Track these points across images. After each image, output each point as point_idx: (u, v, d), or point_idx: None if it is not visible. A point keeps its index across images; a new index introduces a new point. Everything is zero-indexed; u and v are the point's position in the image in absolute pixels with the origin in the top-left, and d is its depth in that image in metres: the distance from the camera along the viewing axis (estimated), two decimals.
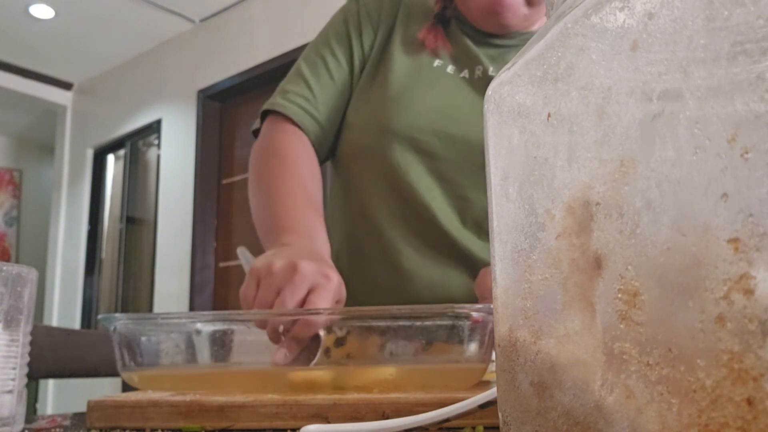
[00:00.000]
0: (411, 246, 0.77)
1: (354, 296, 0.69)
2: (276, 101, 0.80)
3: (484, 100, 0.27)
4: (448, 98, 0.77)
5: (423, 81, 0.78)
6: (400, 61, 0.79)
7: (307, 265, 0.55)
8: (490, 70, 0.78)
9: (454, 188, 0.76)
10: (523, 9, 0.76)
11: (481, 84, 0.78)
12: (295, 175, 0.75)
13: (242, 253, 0.68)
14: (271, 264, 0.56)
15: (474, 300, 0.74)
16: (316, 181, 0.76)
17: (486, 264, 0.75)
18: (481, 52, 0.80)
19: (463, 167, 0.76)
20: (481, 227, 0.76)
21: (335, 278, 0.57)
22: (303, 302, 0.54)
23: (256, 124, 0.84)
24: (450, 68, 0.80)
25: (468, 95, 0.78)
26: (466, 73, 0.79)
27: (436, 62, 0.80)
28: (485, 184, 0.81)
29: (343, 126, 0.83)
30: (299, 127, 0.79)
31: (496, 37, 0.80)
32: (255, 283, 0.56)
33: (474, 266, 0.75)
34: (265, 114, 0.82)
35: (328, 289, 0.55)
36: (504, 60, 0.79)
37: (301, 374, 0.50)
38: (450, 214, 0.76)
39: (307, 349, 0.52)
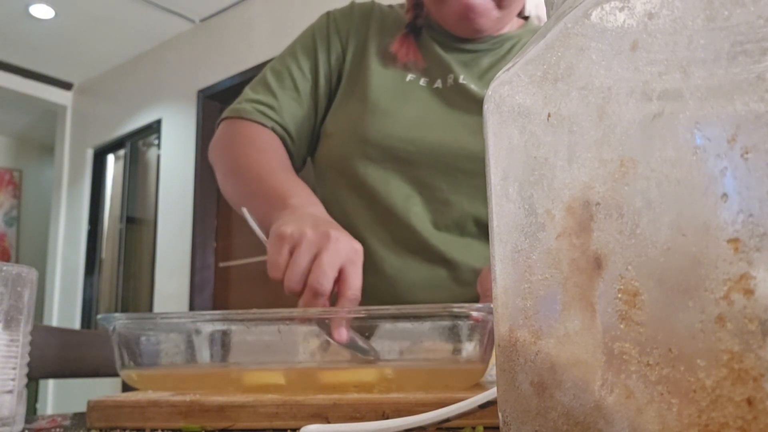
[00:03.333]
0: (392, 252, 0.78)
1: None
2: (240, 107, 0.82)
3: (484, 100, 0.27)
4: (423, 109, 0.80)
5: (398, 93, 0.81)
6: (377, 73, 0.82)
7: (339, 235, 0.58)
8: (461, 78, 0.81)
9: (433, 193, 0.78)
10: (495, 13, 0.78)
11: (452, 92, 0.81)
12: (272, 154, 0.78)
13: (246, 215, 0.68)
14: (304, 230, 0.57)
15: (456, 301, 0.75)
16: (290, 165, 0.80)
17: (466, 265, 0.77)
18: (453, 59, 0.82)
19: (441, 172, 0.78)
20: (464, 228, 0.78)
21: (360, 250, 0.59)
22: (338, 267, 0.56)
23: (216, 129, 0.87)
24: (423, 81, 0.82)
25: (441, 105, 0.81)
26: (439, 83, 0.82)
27: (409, 77, 0.82)
28: (465, 186, 0.81)
29: (321, 136, 0.85)
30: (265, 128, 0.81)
31: (468, 42, 0.83)
32: (288, 249, 0.57)
33: (455, 267, 0.77)
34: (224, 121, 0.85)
35: (359, 265, 0.58)
36: (476, 65, 0.82)
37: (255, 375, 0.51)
38: (426, 220, 0.78)
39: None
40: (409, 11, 0.85)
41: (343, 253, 0.57)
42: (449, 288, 0.77)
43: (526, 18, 0.90)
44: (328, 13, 0.88)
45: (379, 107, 0.79)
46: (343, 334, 0.51)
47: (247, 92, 0.84)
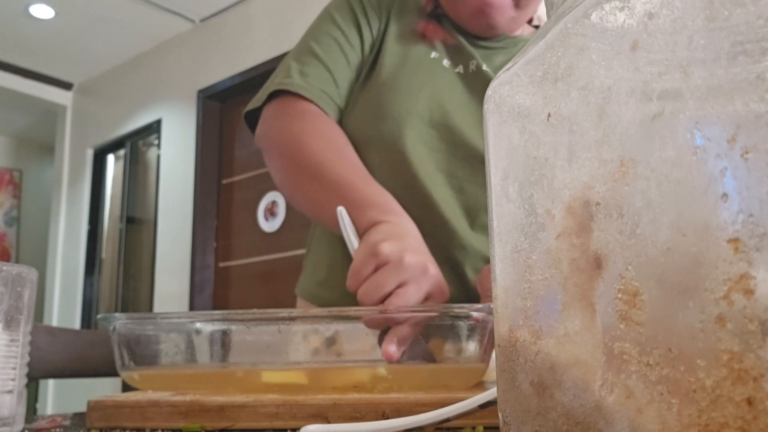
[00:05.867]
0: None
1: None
2: (295, 82, 0.75)
3: (484, 100, 0.27)
4: (445, 90, 0.77)
5: (421, 71, 0.78)
6: (397, 53, 0.79)
7: (435, 270, 0.56)
8: (484, 66, 0.79)
9: (449, 180, 0.76)
10: (511, 11, 0.77)
11: (475, 78, 0.79)
12: (349, 153, 0.72)
13: (344, 216, 0.62)
14: (403, 256, 0.54)
15: (465, 293, 0.74)
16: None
17: (477, 255, 0.76)
18: (473, 50, 0.80)
19: (460, 158, 0.76)
20: (474, 218, 0.77)
21: (447, 294, 0.57)
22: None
23: (254, 103, 0.80)
24: (446, 62, 0.80)
25: (463, 90, 0.78)
26: (461, 68, 0.80)
27: (433, 54, 0.80)
28: (479, 176, 0.80)
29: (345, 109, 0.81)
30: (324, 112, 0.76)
31: (482, 39, 0.81)
32: (374, 265, 0.55)
33: (471, 257, 0.76)
34: (274, 95, 0.77)
35: (440, 302, 0.56)
36: (491, 61, 0.81)
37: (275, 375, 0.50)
38: (453, 206, 0.76)
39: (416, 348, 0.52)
40: (428, 3, 0.83)
41: (431, 290, 0.55)
42: (462, 275, 0.76)
43: (536, 27, 0.89)
44: None
45: (400, 82, 0.76)
46: (391, 350, 0.49)
47: (293, 65, 0.77)
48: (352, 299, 0.56)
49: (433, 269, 0.56)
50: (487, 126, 0.27)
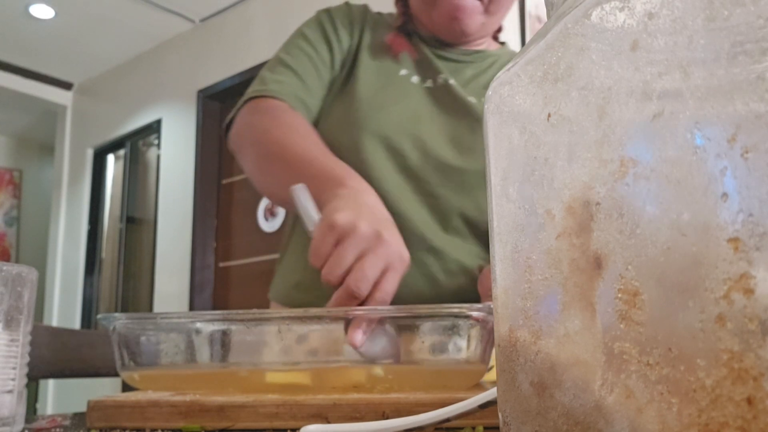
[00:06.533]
0: None
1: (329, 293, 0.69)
2: (266, 88, 0.78)
3: (485, 100, 0.27)
4: (416, 106, 0.82)
5: (392, 88, 0.82)
6: (371, 67, 0.83)
7: (391, 238, 0.56)
8: (451, 80, 0.84)
9: (422, 185, 0.79)
10: (481, 17, 0.82)
11: (442, 92, 0.83)
12: (314, 137, 0.74)
13: (301, 192, 0.61)
14: (357, 225, 0.55)
15: (436, 293, 0.76)
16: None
17: (448, 258, 0.78)
18: (441, 64, 0.85)
19: (431, 166, 0.79)
20: (447, 222, 0.79)
21: (407, 259, 0.58)
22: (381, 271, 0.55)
23: (232, 114, 0.82)
24: (414, 78, 0.84)
25: (431, 103, 0.83)
26: (429, 83, 0.84)
27: (402, 71, 0.84)
28: (451, 182, 0.81)
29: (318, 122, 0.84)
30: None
31: (453, 50, 0.86)
32: (335, 239, 0.55)
33: (442, 256, 0.77)
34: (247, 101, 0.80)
35: (400, 273, 0.56)
36: (460, 73, 0.86)
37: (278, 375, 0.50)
38: (422, 211, 0.79)
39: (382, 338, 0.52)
40: (399, 17, 0.88)
41: (389, 258, 0.55)
42: (434, 276, 0.78)
43: (502, 43, 0.96)
44: (327, 9, 0.88)
45: (375, 100, 0.80)
46: (356, 337, 0.49)
47: (266, 75, 0.81)
48: (325, 302, 0.56)
49: (388, 235, 0.56)
50: (487, 126, 0.27)
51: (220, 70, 3.42)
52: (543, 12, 2.47)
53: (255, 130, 0.77)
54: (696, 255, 0.17)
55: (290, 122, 0.75)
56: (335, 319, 0.51)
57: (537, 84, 0.24)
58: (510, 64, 0.26)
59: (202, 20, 3.59)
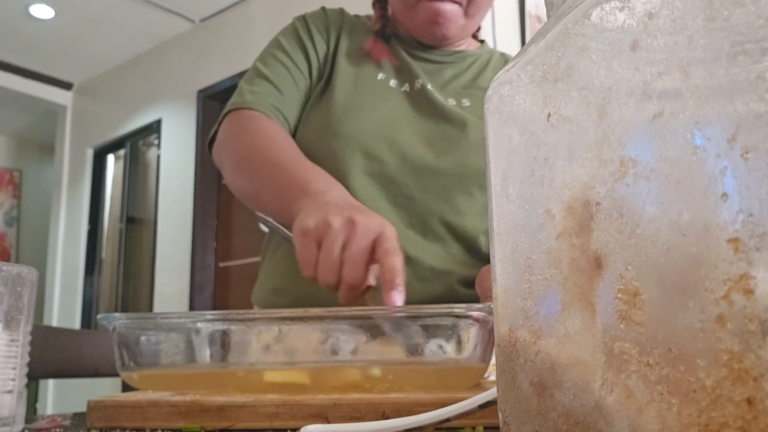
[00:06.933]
0: None
1: (314, 299, 0.70)
2: (241, 100, 0.80)
3: (485, 100, 0.27)
4: (393, 110, 0.82)
5: (370, 93, 0.82)
6: (348, 72, 0.83)
7: (364, 219, 0.56)
8: (428, 85, 0.84)
9: (400, 189, 0.79)
10: (461, 20, 0.82)
11: (419, 96, 0.83)
12: (283, 140, 0.76)
13: (266, 223, 0.66)
14: (329, 221, 0.55)
15: (417, 298, 0.75)
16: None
17: (423, 266, 0.77)
18: (419, 67, 0.86)
19: (408, 170, 0.79)
20: (426, 226, 0.79)
21: (389, 226, 0.58)
22: (370, 252, 0.55)
23: (214, 129, 0.85)
24: (392, 82, 0.84)
25: (409, 107, 0.83)
26: (407, 87, 0.84)
27: (380, 75, 0.84)
28: (432, 185, 0.82)
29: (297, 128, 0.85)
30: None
31: (432, 52, 0.86)
32: (315, 243, 0.56)
33: (415, 265, 0.77)
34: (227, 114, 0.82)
35: (392, 242, 0.56)
36: (440, 75, 0.86)
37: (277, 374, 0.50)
38: (396, 221, 0.78)
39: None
40: (377, 21, 0.88)
41: (372, 236, 0.55)
42: (408, 283, 0.78)
43: (481, 41, 0.96)
44: (303, 16, 0.90)
45: (352, 105, 0.80)
46: (397, 298, 0.50)
47: (243, 87, 0.83)
48: (302, 305, 0.56)
49: (361, 217, 0.56)
50: (487, 126, 0.27)
51: (220, 70, 3.42)
52: (543, 12, 2.48)
53: (230, 140, 0.79)
54: (696, 255, 0.17)
55: (263, 129, 0.77)
56: (335, 319, 0.51)
57: (537, 84, 0.24)
58: (510, 64, 0.26)
59: (202, 20, 3.59)
